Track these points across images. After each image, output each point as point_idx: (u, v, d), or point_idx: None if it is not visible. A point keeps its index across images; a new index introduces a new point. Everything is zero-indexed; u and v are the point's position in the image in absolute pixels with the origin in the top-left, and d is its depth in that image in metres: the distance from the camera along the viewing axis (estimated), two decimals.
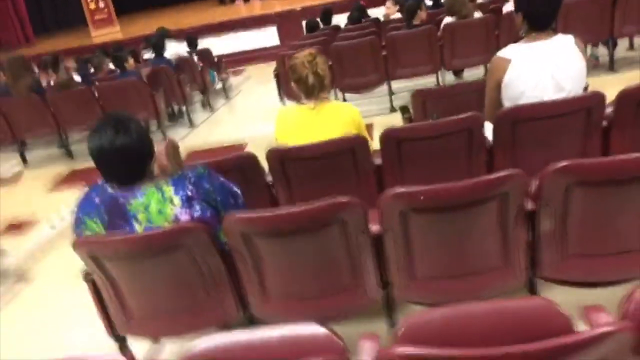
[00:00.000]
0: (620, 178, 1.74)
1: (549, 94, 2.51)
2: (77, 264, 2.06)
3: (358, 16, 7.20)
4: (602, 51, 5.67)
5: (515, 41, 2.61)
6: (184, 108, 7.02)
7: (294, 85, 2.75)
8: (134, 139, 1.87)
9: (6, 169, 3.89)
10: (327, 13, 7.53)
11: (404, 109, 3.74)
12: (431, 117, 2.67)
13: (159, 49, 6.97)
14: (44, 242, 4.24)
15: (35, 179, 4.00)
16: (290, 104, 6.31)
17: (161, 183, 1.94)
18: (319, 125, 2.69)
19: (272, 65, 8.89)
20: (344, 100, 5.88)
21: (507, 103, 2.60)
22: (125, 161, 1.88)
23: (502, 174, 1.72)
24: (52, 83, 6.27)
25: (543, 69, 2.48)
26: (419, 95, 3.52)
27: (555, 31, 2.57)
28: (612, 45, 5.42)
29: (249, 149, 5.70)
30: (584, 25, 4.86)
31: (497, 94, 2.61)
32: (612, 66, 5.48)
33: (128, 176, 1.92)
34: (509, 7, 5.33)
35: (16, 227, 4.62)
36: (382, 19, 7.40)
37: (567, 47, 2.50)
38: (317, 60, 2.65)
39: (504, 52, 2.57)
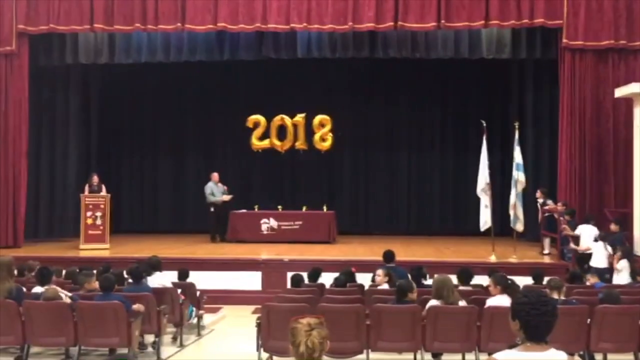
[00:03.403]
0: None
1: None
2: None
3: (344, 280, 7.45)
4: None
5: (511, 347, 2.70)
6: (154, 339, 6.87)
7: (290, 346, 2.79)
8: None
9: None
10: (316, 272, 7.78)
11: None
12: None
13: (137, 276, 7.03)
14: None
15: None
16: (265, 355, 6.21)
17: None
18: None
19: (249, 309, 8.95)
20: None
21: None
22: None
23: None
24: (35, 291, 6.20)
25: None
26: None
27: (548, 344, 2.68)
28: (588, 358, 5.58)
29: None
30: (563, 337, 5.07)
31: None
32: None
33: None
34: (493, 302, 5.60)
35: None
36: (368, 284, 7.66)
37: None
38: (314, 332, 2.72)
39: (500, 356, 2.65)
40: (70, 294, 6.09)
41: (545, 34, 11.43)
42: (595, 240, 9.33)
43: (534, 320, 2.59)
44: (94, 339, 5.82)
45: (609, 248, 9.07)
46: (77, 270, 7.48)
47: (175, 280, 8.04)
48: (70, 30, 11.77)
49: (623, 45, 10.99)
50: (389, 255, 8.09)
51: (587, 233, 9.61)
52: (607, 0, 10.95)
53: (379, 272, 7.27)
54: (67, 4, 11.53)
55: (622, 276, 8.19)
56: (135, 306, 5.97)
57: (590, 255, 9.30)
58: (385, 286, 7.03)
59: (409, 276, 7.56)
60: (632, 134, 10.40)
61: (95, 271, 7.29)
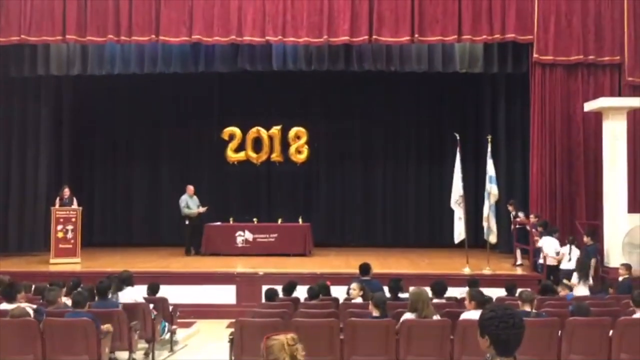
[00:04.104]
0: None
1: None
2: None
3: (318, 291, 7.44)
4: None
5: None
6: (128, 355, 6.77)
7: None
8: None
9: None
10: (291, 286, 7.75)
11: None
12: None
13: (101, 292, 6.88)
14: None
15: None
16: None
17: None
18: None
19: (223, 323, 8.87)
20: None
21: None
22: None
23: None
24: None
25: None
26: None
27: (516, 359, 2.69)
28: None
29: None
30: (535, 349, 5.11)
31: None
32: None
33: None
34: (467, 315, 5.61)
35: None
36: (344, 297, 7.64)
37: None
38: (298, 347, 2.69)
39: None
40: (34, 306, 5.97)
41: (516, 49, 11.64)
42: (566, 243, 9.55)
43: (503, 334, 2.59)
44: (62, 356, 5.69)
45: (577, 252, 9.32)
46: (48, 286, 7.31)
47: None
48: (42, 41, 11.62)
49: (592, 61, 11.24)
50: (364, 268, 8.10)
51: (547, 245, 9.79)
52: (576, 17, 11.20)
53: (354, 285, 7.26)
54: (39, 14, 11.38)
55: (577, 289, 8.39)
56: (104, 327, 5.86)
57: (556, 266, 9.52)
58: (359, 300, 7.02)
59: (386, 288, 7.60)
60: (602, 147, 10.62)
61: (65, 288, 7.15)
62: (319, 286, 7.65)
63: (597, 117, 10.88)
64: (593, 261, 9.39)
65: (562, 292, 7.79)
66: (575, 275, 8.64)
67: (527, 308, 5.86)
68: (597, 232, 10.31)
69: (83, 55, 12.06)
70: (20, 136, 12.84)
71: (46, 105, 13.11)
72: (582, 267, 8.68)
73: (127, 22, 11.30)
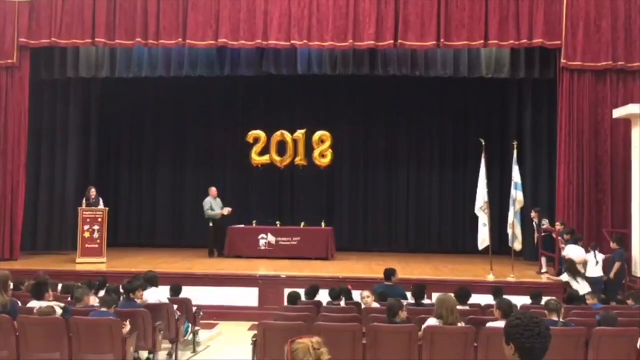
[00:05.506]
0: None
1: None
2: None
3: (339, 293, 7.43)
4: None
5: None
6: (150, 356, 6.82)
7: None
8: None
9: None
10: (313, 289, 7.75)
11: None
12: None
13: (127, 292, 6.97)
14: None
15: None
16: None
17: None
18: None
19: (245, 325, 8.91)
20: None
21: None
22: None
23: None
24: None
25: None
26: None
27: None
28: None
29: None
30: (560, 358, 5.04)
31: None
32: None
33: None
34: (493, 325, 5.55)
35: None
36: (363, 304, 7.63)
37: None
38: (323, 350, 2.69)
39: None
40: (62, 305, 6.06)
41: (544, 54, 11.50)
42: (588, 251, 9.44)
43: (528, 342, 2.57)
44: (88, 354, 5.77)
45: (601, 256, 9.21)
46: (79, 285, 7.41)
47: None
48: (72, 44, 11.83)
49: (621, 67, 11.05)
50: (388, 274, 8.07)
51: (573, 253, 9.64)
52: (605, 22, 11.03)
53: (366, 293, 7.20)
54: (69, 18, 11.60)
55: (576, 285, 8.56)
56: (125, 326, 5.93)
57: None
58: (376, 305, 6.99)
59: (408, 294, 7.56)
60: (630, 155, 10.43)
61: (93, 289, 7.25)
62: (341, 288, 7.65)
63: (626, 124, 10.70)
64: (617, 265, 9.26)
65: (590, 301, 7.67)
66: (565, 275, 8.74)
67: (555, 317, 5.77)
68: (625, 241, 10.11)
69: (112, 58, 12.24)
70: (49, 137, 13.10)
71: (75, 107, 13.36)
72: (569, 267, 8.76)
73: (155, 25, 11.46)
